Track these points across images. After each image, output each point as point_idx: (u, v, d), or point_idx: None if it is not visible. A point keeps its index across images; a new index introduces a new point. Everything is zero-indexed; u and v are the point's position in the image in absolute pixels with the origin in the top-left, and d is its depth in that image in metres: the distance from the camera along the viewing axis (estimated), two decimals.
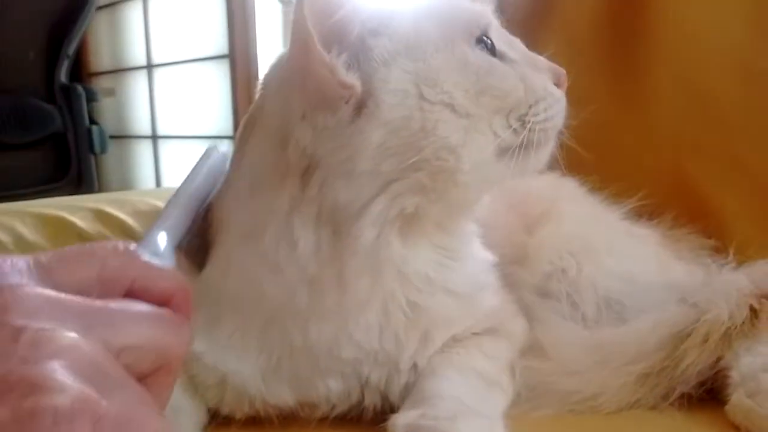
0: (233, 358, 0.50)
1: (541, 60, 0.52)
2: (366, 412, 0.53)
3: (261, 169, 0.48)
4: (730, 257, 0.66)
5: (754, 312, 0.56)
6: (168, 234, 0.42)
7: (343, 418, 0.53)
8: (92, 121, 2.43)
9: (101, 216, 0.77)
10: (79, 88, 2.36)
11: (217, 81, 2.51)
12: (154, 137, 2.88)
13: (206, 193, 0.49)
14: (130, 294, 0.28)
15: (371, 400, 0.53)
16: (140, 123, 2.95)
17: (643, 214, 0.75)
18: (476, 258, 0.56)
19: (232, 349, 0.50)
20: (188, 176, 0.48)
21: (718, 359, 0.54)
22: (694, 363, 0.53)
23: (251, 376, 0.50)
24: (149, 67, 2.85)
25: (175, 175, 2.86)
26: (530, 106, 0.48)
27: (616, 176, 0.82)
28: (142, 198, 0.81)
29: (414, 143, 0.44)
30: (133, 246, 0.30)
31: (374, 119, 0.43)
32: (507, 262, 0.61)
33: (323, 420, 0.53)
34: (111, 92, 2.96)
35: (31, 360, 0.22)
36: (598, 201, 0.73)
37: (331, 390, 0.51)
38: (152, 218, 0.78)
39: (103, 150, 2.45)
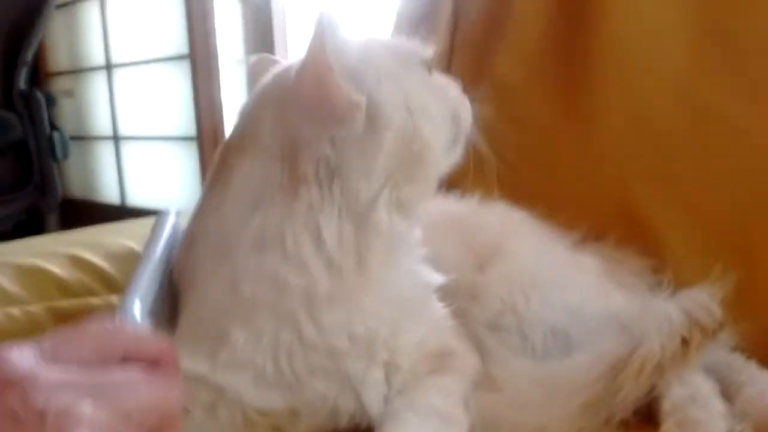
0: (234, 371, 0.55)
1: (446, 76, 0.65)
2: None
3: (265, 187, 0.55)
4: (668, 281, 0.71)
5: (685, 342, 0.60)
6: (141, 302, 0.49)
7: None
8: (53, 127, 2.41)
9: (77, 262, 0.79)
10: (39, 95, 2.34)
11: (178, 81, 2.51)
12: (116, 138, 2.87)
13: (167, 255, 0.57)
14: (125, 361, 0.33)
15: (350, 406, 0.57)
16: (101, 124, 2.93)
17: (588, 237, 0.79)
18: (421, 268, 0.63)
19: (237, 362, 0.54)
20: (149, 243, 0.58)
21: (653, 388, 0.59)
22: (630, 392, 0.58)
23: (248, 385, 0.55)
24: (108, 67, 2.82)
25: (137, 176, 2.85)
26: (456, 110, 0.62)
27: (561, 198, 0.86)
28: (114, 239, 0.83)
29: (408, 142, 0.55)
30: (117, 319, 0.36)
31: (386, 127, 0.54)
32: (460, 298, 0.66)
33: None
34: (70, 93, 2.92)
35: None
36: (545, 232, 0.77)
37: (318, 392, 0.56)
38: (126, 260, 0.82)
39: (65, 156, 2.44)
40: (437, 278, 0.63)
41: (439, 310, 0.64)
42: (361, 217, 0.55)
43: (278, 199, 0.54)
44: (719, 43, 0.81)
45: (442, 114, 0.59)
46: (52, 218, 2.49)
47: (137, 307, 0.48)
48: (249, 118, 0.59)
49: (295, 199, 0.54)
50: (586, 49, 0.91)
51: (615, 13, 0.89)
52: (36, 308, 0.71)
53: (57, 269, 0.77)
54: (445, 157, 0.61)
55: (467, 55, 1.03)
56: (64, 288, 0.77)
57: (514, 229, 0.76)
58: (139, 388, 0.31)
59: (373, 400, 0.57)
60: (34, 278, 0.77)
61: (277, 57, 0.68)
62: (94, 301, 0.76)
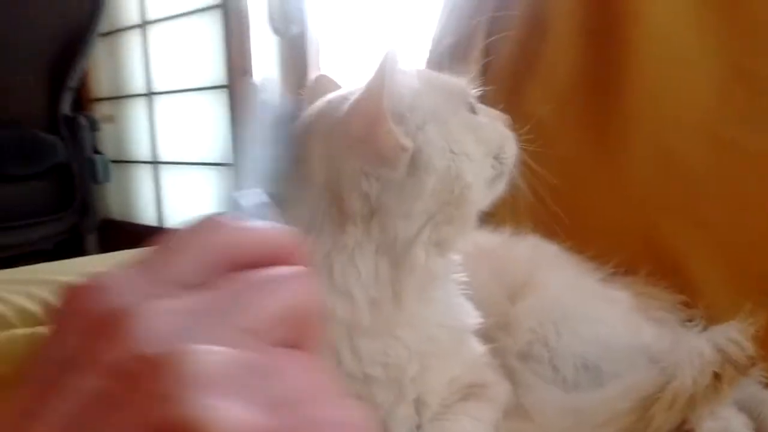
0: None
1: (494, 111, 0.66)
2: None
3: (315, 214, 0.56)
4: (699, 315, 0.72)
5: (717, 377, 0.61)
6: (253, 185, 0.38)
7: None
8: (95, 151, 2.47)
9: None
10: (83, 119, 2.41)
11: (216, 109, 2.57)
12: (155, 163, 2.94)
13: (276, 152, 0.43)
14: (241, 266, 0.25)
15: None
16: (140, 149, 3.00)
17: (618, 272, 0.80)
18: (462, 304, 0.64)
19: None
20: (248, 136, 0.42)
21: (684, 421, 0.60)
22: (661, 426, 0.58)
23: None
24: (149, 94, 2.90)
25: (175, 201, 2.91)
26: (500, 147, 0.62)
27: (591, 233, 0.87)
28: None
29: (450, 185, 0.56)
30: (224, 214, 0.27)
31: (429, 171, 0.55)
32: (492, 329, 0.67)
33: None
34: (110, 119, 3.01)
35: (184, 397, 0.19)
36: (576, 265, 0.79)
37: None
38: None
39: (107, 179, 2.50)
40: (475, 317, 0.64)
41: (476, 349, 0.65)
42: (398, 256, 0.56)
43: (327, 229, 0.55)
44: (743, 80, 0.83)
45: (485, 153, 0.60)
46: (92, 239, 2.55)
47: (248, 193, 0.37)
48: (300, 142, 0.59)
49: (342, 233, 0.55)
50: (615, 88, 0.93)
51: (643, 49, 0.91)
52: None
53: None
54: (486, 195, 0.62)
55: (498, 90, 1.05)
56: None
57: (545, 262, 0.77)
58: (268, 297, 0.24)
59: (401, 430, 0.59)
60: None
61: (335, 79, 0.68)
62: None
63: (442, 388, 0.61)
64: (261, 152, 0.43)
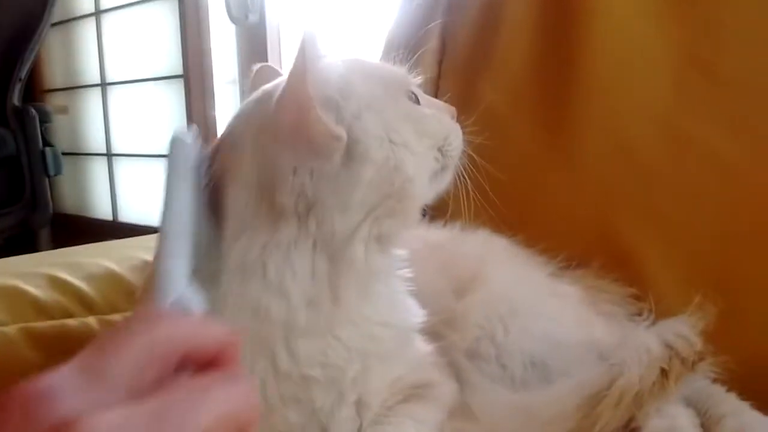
0: None
1: (439, 102, 0.64)
2: None
3: (247, 213, 0.53)
4: (649, 309, 0.71)
5: (664, 373, 0.60)
6: (184, 275, 0.38)
7: None
8: (46, 143, 2.40)
9: (55, 283, 0.79)
10: (32, 111, 2.34)
11: (171, 100, 2.51)
12: (109, 155, 2.87)
13: (197, 200, 0.46)
14: (185, 360, 0.27)
15: None
16: (94, 141, 2.93)
17: (569, 265, 0.79)
18: (406, 301, 0.62)
19: None
20: (168, 188, 0.45)
21: (631, 419, 0.58)
22: (608, 424, 0.57)
23: None
24: (103, 85, 2.83)
25: (129, 195, 2.85)
26: (445, 139, 0.59)
27: (545, 226, 0.86)
28: (93, 259, 0.83)
29: (389, 177, 0.53)
30: (166, 306, 0.29)
31: (365, 161, 0.52)
32: (438, 325, 0.65)
33: None
34: (64, 110, 2.93)
35: None
36: (526, 259, 0.77)
37: (288, 421, 0.55)
38: (105, 282, 0.81)
39: (58, 172, 2.43)
40: (420, 315, 0.62)
41: (420, 348, 0.62)
42: (336, 252, 0.54)
43: (260, 227, 0.53)
44: (702, 73, 0.82)
45: (427, 145, 0.58)
46: (44, 233, 2.49)
47: (183, 282, 0.37)
48: (232, 138, 0.57)
49: (275, 230, 0.53)
50: (570, 79, 0.92)
51: (599, 43, 0.90)
52: (11, 329, 0.70)
53: (34, 290, 0.76)
54: (429, 188, 0.59)
55: (454, 82, 1.04)
56: (40, 309, 0.76)
57: (494, 257, 0.76)
58: (210, 402, 0.26)
59: None
60: (11, 299, 0.76)
61: (278, 68, 0.65)
62: (71, 323, 0.75)
63: (384, 388, 0.58)
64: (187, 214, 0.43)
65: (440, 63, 1.06)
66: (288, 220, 0.53)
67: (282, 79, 0.54)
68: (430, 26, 1.08)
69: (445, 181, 0.61)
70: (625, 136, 0.86)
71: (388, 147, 0.54)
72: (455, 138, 0.61)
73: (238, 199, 0.54)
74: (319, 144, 0.51)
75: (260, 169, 0.53)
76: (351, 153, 0.52)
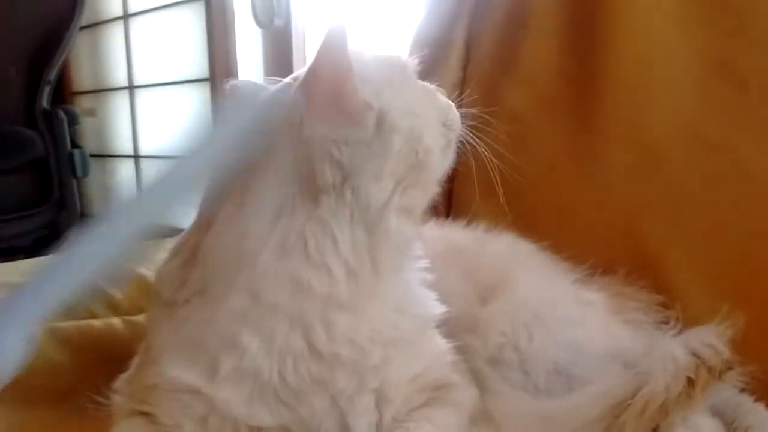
0: (233, 384, 0.55)
1: (430, 84, 0.66)
2: None
3: (285, 197, 0.55)
4: (676, 317, 0.70)
5: (690, 382, 0.59)
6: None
7: None
8: (74, 145, 2.43)
9: None
10: (61, 113, 2.36)
11: (198, 103, 2.53)
12: (136, 157, 2.90)
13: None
14: None
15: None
16: (122, 143, 2.96)
17: (595, 272, 0.78)
18: (426, 294, 0.63)
19: (240, 372, 0.55)
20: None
21: (656, 429, 0.58)
22: None
23: (240, 401, 0.55)
24: (131, 87, 2.86)
25: None
26: (447, 115, 0.63)
27: (570, 232, 0.85)
28: None
29: (414, 147, 0.57)
30: None
31: (394, 131, 0.55)
32: (461, 331, 0.65)
33: None
34: (92, 112, 2.96)
35: None
36: (551, 265, 0.76)
37: (313, 409, 0.55)
38: (130, 283, 0.81)
39: (85, 174, 2.45)
40: (439, 308, 0.62)
41: (440, 345, 0.63)
42: (372, 222, 0.56)
43: (299, 207, 0.55)
44: (727, 80, 0.81)
45: (437, 119, 0.61)
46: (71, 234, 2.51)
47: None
48: (249, 138, 0.56)
49: (316, 206, 0.55)
50: (595, 85, 0.91)
51: (625, 49, 0.89)
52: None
53: None
54: (442, 162, 0.62)
55: (479, 85, 1.03)
56: (65, 309, 0.76)
57: (519, 262, 0.75)
58: None
59: (361, 426, 0.56)
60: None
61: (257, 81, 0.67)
62: (95, 323, 0.76)
63: (404, 383, 0.58)
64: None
65: (465, 68, 1.05)
66: (328, 194, 0.55)
67: (292, 78, 0.57)
68: (455, 30, 1.07)
69: (451, 156, 0.64)
70: (651, 143, 0.85)
71: (411, 118, 0.57)
72: (454, 114, 0.64)
73: (272, 186, 0.55)
74: (354, 113, 0.54)
75: (296, 151, 0.55)
76: (381, 123, 0.55)
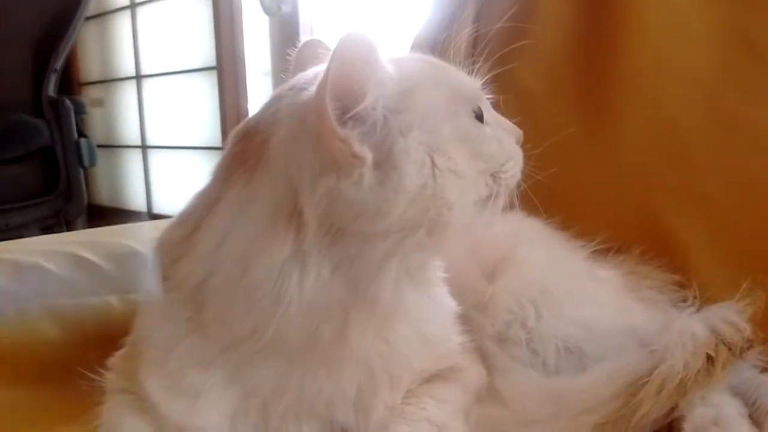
0: (202, 409, 0.51)
1: (507, 122, 0.57)
2: None
3: (276, 209, 0.47)
4: (693, 295, 0.67)
5: (710, 360, 0.56)
6: None
7: None
8: (81, 134, 2.42)
9: (77, 261, 0.78)
10: (67, 102, 2.35)
11: (205, 92, 2.52)
12: (144, 147, 2.89)
13: None
14: None
15: None
16: (129, 133, 2.96)
17: (609, 250, 0.75)
18: (444, 305, 0.59)
19: (206, 394, 0.51)
20: None
21: (674, 408, 0.55)
22: (649, 413, 0.54)
23: (217, 425, 0.51)
24: (138, 77, 2.85)
25: (163, 184, 2.87)
26: (502, 165, 0.53)
27: (583, 207, 0.83)
28: (116, 239, 0.82)
29: (424, 205, 0.47)
30: None
31: (400, 189, 0.46)
32: (466, 308, 0.62)
33: None
34: (100, 102, 2.96)
35: None
36: (562, 242, 0.74)
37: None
38: (126, 261, 0.80)
39: (92, 163, 2.45)
40: (455, 305, 0.59)
41: (454, 339, 0.60)
42: (359, 282, 0.48)
43: (281, 230, 0.47)
44: (745, 52, 0.79)
45: (480, 170, 0.51)
46: (79, 224, 2.51)
47: None
48: (268, 121, 0.51)
49: (295, 238, 0.46)
50: (609, 61, 0.89)
51: (639, 23, 0.86)
52: (32, 306, 0.69)
53: (56, 267, 0.75)
54: (471, 215, 0.51)
55: (489, 65, 1.00)
56: (62, 286, 0.75)
57: (527, 238, 0.72)
58: None
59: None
60: (33, 276, 0.75)
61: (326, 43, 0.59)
62: (92, 301, 0.74)
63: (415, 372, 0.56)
64: None
65: (473, 49, 1.02)
66: (308, 229, 0.46)
67: (322, 68, 0.46)
68: (464, 14, 1.05)
69: (495, 208, 0.53)
70: (668, 117, 0.83)
71: (428, 173, 0.47)
72: (514, 165, 0.54)
73: (264, 187, 0.48)
74: (339, 159, 0.45)
75: (289, 166, 0.47)
76: (383, 178, 0.46)
